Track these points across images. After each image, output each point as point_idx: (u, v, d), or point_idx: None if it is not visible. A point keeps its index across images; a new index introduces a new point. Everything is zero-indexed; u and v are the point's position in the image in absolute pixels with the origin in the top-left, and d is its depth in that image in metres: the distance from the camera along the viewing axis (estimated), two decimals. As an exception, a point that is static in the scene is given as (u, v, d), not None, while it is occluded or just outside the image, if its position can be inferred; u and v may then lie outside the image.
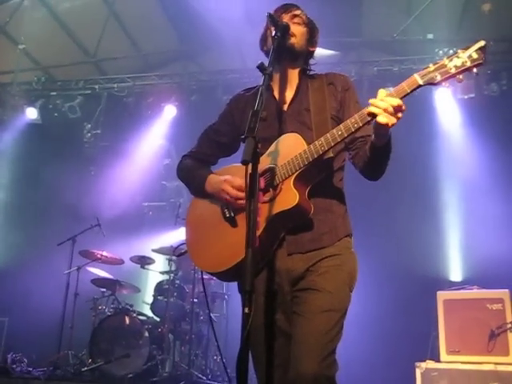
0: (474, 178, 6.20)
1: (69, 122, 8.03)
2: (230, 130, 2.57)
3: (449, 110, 6.72)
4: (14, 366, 5.93)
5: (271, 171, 2.24)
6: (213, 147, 2.62)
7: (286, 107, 2.42)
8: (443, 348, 4.68)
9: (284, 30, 2.28)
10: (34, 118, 7.99)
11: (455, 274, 5.83)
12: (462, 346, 4.64)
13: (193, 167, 2.58)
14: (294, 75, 2.47)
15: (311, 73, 2.52)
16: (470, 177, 6.24)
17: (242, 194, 2.28)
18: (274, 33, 2.24)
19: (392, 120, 1.98)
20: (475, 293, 4.82)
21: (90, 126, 7.87)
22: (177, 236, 5.64)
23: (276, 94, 2.46)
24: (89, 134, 7.86)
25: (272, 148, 2.28)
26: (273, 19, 2.27)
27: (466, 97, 6.43)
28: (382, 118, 1.97)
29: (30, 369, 5.98)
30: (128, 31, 7.59)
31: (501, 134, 6.12)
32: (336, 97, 2.40)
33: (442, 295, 4.86)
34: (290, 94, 2.44)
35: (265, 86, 2.05)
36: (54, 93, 8.20)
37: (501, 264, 5.45)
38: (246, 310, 1.70)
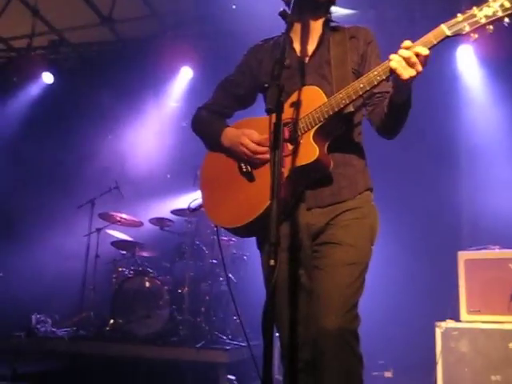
0: (498, 138, 6.09)
1: (85, 86, 8.01)
2: (247, 81, 2.51)
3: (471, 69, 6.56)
4: (39, 326, 6.06)
5: (293, 123, 2.19)
6: (229, 99, 2.56)
7: (307, 59, 2.35)
8: (464, 308, 4.67)
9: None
10: (50, 82, 7.97)
11: (477, 233, 5.76)
12: (482, 306, 4.61)
13: (208, 119, 2.53)
14: (316, 26, 2.40)
15: (334, 25, 2.44)
16: (493, 137, 6.12)
17: (262, 149, 2.25)
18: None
19: (411, 72, 1.88)
20: (497, 253, 4.76)
21: (106, 89, 7.84)
22: (195, 197, 5.62)
23: (296, 45, 2.39)
24: (105, 98, 7.84)
25: (292, 99, 2.21)
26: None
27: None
28: (404, 71, 1.88)
29: (54, 329, 6.11)
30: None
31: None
32: (358, 50, 2.33)
33: (463, 255, 4.81)
34: (311, 46, 2.37)
35: (286, 35, 1.99)
36: (70, 56, 8.18)
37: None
38: (272, 263, 1.68)
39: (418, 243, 5.90)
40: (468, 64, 6.55)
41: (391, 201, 5.35)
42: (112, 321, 5.70)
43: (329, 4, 2.45)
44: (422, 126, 5.42)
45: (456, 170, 6.22)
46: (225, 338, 5.63)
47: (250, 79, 2.50)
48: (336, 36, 2.38)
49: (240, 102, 2.59)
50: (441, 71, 6.09)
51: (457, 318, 4.64)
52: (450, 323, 4.56)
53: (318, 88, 2.19)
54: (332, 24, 2.44)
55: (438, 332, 4.54)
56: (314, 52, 2.36)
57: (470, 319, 4.60)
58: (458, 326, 4.53)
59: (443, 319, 4.60)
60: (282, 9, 2.07)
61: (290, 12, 2.06)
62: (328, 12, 2.46)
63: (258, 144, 2.27)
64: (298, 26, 2.38)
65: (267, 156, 2.24)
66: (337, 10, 2.55)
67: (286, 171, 2.10)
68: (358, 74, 2.23)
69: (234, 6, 6.92)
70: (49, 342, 5.79)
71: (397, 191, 5.81)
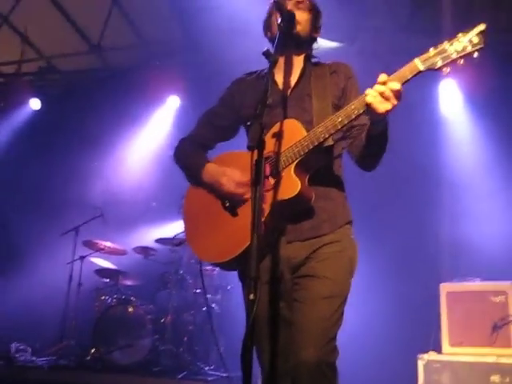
0: (477, 168, 6.19)
1: (72, 113, 8.03)
2: (229, 114, 2.56)
3: (453, 101, 6.69)
4: (18, 355, 5.95)
5: (274, 157, 2.22)
6: (211, 131, 2.61)
7: (288, 92, 2.41)
8: (446, 340, 4.68)
9: (289, 18, 2.27)
10: (38, 108, 7.99)
11: (458, 265, 5.80)
12: (464, 338, 4.64)
13: (190, 152, 2.56)
14: (298, 61, 2.47)
15: (315, 60, 2.52)
16: (472, 167, 6.22)
17: (241, 190, 2.29)
18: (279, 20, 2.23)
19: (387, 106, 1.94)
20: (478, 285, 4.80)
21: (93, 117, 7.86)
22: (180, 227, 5.61)
23: (279, 78, 2.45)
24: (92, 125, 7.85)
25: (273, 131, 2.25)
26: (278, 6, 2.26)
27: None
28: (378, 103, 1.94)
29: (34, 358, 6.00)
30: (132, 21, 7.54)
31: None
32: (338, 85, 2.40)
33: (445, 287, 4.86)
34: (293, 79, 2.44)
35: (270, 74, 2.05)
36: (58, 83, 8.22)
37: (504, 256, 5.43)
38: (252, 297, 1.69)
39: (400, 275, 5.91)
40: (450, 98, 6.68)
41: (373, 233, 5.41)
42: (93, 350, 5.63)
43: (311, 41, 2.53)
44: (404, 158, 5.51)
45: (438, 202, 6.28)
46: (207, 368, 5.57)
47: (233, 112, 2.56)
48: (317, 70, 2.46)
49: (222, 134, 2.64)
50: (423, 104, 6.21)
51: (439, 351, 4.65)
52: (432, 355, 4.56)
53: (296, 121, 2.23)
54: (314, 60, 2.51)
55: (421, 364, 4.53)
56: (296, 85, 2.43)
57: (452, 351, 4.62)
58: (440, 359, 4.53)
59: (425, 351, 4.61)
60: (265, 48, 2.12)
61: (274, 49, 2.13)
62: (310, 48, 2.54)
63: (239, 184, 2.30)
64: (281, 60, 2.45)
65: (247, 197, 2.29)
66: (321, 43, 2.62)
67: (267, 206, 2.13)
68: (337, 108, 2.27)
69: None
70: (28, 371, 5.67)
71: (378, 223, 5.86)
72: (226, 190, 2.33)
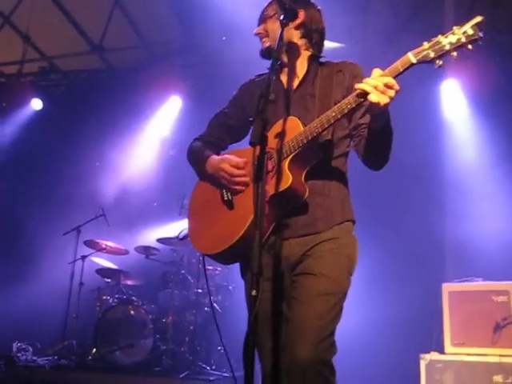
0: (479, 169, 6.18)
1: (73, 113, 8.03)
2: (239, 114, 2.58)
3: (455, 102, 6.68)
4: (19, 354, 5.95)
5: (274, 153, 2.23)
6: (222, 131, 2.63)
7: (293, 91, 2.42)
8: (448, 340, 4.67)
9: (292, 14, 2.27)
10: (39, 108, 8.00)
11: (461, 265, 5.80)
12: (466, 338, 4.62)
13: (199, 149, 2.59)
14: (303, 60, 2.46)
15: (323, 60, 2.51)
16: (474, 168, 6.22)
17: (239, 172, 2.31)
18: (281, 17, 2.23)
19: (383, 99, 1.93)
20: (480, 285, 4.79)
21: (95, 117, 7.87)
22: (181, 226, 5.61)
23: (283, 78, 2.46)
24: (94, 126, 7.86)
25: (274, 130, 2.27)
26: (280, 2, 2.25)
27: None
28: (373, 97, 1.93)
29: (35, 358, 6.00)
30: (133, 22, 7.55)
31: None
32: (343, 84, 2.38)
33: (447, 287, 4.84)
34: (298, 79, 2.44)
35: (272, 70, 2.05)
36: (59, 83, 8.23)
37: (506, 256, 5.42)
38: (254, 293, 1.69)
39: (403, 275, 5.91)
40: (452, 99, 6.68)
41: (376, 233, 5.41)
42: (94, 350, 5.64)
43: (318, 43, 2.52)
44: (407, 159, 5.50)
45: (441, 203, 6.28)
46: (209, 368, 5.57)
47: (242, 112, 2.57)
48: (323, 70, 2.44)
49: (233, 135, 2.66)
50: (426, 105, 6.21)
51: (441, 351, 4.64)
52: (434, 355, 4.55)
53: (296, 118, 2.24)
54: (322, 59, 2.50)
55: (423, 364, 4.53)
56: (300, 84, 2.43)
57: (454, 351, 4.60)
58: (443, 359, 4.52)
59: (428, 351, 4.60)
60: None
61: (276, 46, 2.13)
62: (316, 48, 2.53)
63: (236, 167, 2.32)
64: (285, 59, 2.45)
65: (245, 179, 2.31)
66: (325, 44, 2.61)
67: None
68: None
69: (224, 38, 7.03)
70: (29, 371, 5.66)
71: (381, 223, 5.86)
72: (222, 173, 2.35)
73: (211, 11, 6.54)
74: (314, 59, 2.48)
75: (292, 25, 2.36)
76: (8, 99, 8.03)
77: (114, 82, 7.94)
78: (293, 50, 2.45)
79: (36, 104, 7.97)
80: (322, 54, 2.53)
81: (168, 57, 7.99)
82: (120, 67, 8.08)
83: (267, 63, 2.18)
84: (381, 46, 6.84)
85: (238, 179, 2.32)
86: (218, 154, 2.56)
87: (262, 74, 2.60)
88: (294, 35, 2.44)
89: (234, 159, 2.35)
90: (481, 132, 6.44)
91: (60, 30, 7.42)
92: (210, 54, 7.23)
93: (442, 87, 6.69)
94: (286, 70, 2.47)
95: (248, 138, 2.60)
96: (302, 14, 2.40)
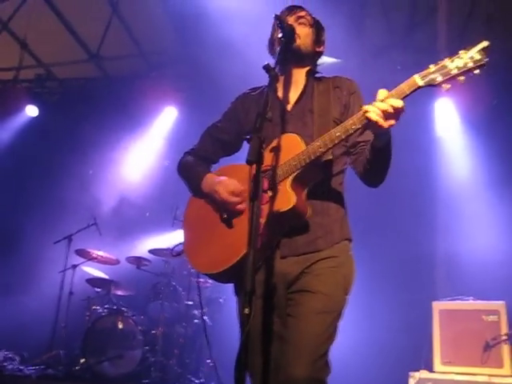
0: (471, 186, 6.22)
1: (68, 121, 8.02)
2: (233, 129, 2.57)
3: (448, 119, 6.73)
4: (6, 363, 5.89)
5: (271, 171, 2.22)
6: (215, 145, 2.62)
7: (289, 107, 2.43)
8: (437, 358, 4.66)
9: (289, 32, 2.29)
10: (35, 115, 7.99)
11: (451, 284, 5.81)
12: (456, 357, 4.61)
13: (192, 164, 2.58)
14: (300, 76, 2.49)
15: (319, 75, 2.52)
16: (466, 185, 6.25)
17: (234, 199, 2.30)
18: (280, 35, 2.26)
19: (390, 122, 1.95)
20: (471, 304, 4.80)
21: (89, 125, 7.86)
22: (174, 238, 5.61)
23: (280, 94, 2.47)
24: (88, 134, 7.85)
25: (272, 146, 2.26)
26: (279, 20, 2.28)
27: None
28: (381, 120, 1.94)
29: (22, 367, 5.93)
30: (131, 31, 7.57)
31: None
32: (341, 100, 2.40)
33: (437, 305, 4.85)
34: (294, 95, 2.45)
35: (270, 87, 2.05)
36: (55, 91, 8.23)
37: (497, 275, 5.44)
38: (246, 311, 1.68)
39: (393, 292, 5.91)
40: (445, 116, 6.73)
41: (366, 250, 5.37)
42: (83, 360, 5.58)
43: (314, 55, 2.54)
44: (399, 176, 5.50)
45: (432, 221, 6.30)
46: (197, 381, 5.54)
47: (236, 127, 2.57)
48: (320, 86, 2.45)
49: (225, 149, 2.64)
50: (419, 122, 6.23)
51: (430, 369, 4.63)
52: (423, 374, 4.54)
53: (296, 135, 2.23)
54: (318, 75, 2.52)
55: (412, 382, 4.50)
56: (298, 100, 2.44)
57: (443, 370, 4.59)
58: (432, 377, 4.51)
59: (417, 369, 4.58)
60: (266, 62, 2.12)
61: (275, 63, 2.14)
62: (313, 63, 2.55)
63: (232, 194, 2.31)
64: (282, 77, 2.47)
65: (240, 207, 2.30)
66: (322, 59, 2.63)
67: (263, 219, 2.12)
68: (339, 124, 2.26)
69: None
70: (15, 380, 5.60)
71: (372, 240, 5.85)
72: (219, 197, 2.33)
73: (207, 23, 6.57)
74: (311, 74, 2.50)
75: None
76: (3, 105, 8.01)
77: (110, 90, 7.94)
78: (291, 66, 2.47)
79: (31, 111, 7.96)
80: (318, 70, 2.56)
81: (164, 67, 8.01)
82: (116, 76, 8.08)
83: (262, 76, 2.18)
84: (376, 61, 6.90)
85: (232, 207, 2.31)
86: (210, 169, 2.56)
87: (257, 88, 2.60)
88: None
89: (231, 185, 2.33)
90: (473, 151, 6.49)
91: (57, 38, 7.42)
92: (206, 66, 7.25)
93: (435, 106, 6.75)
94: (282, 84, 2.47)
95: (239, 152, 2.63)
96: (301, 32, 2.42)
